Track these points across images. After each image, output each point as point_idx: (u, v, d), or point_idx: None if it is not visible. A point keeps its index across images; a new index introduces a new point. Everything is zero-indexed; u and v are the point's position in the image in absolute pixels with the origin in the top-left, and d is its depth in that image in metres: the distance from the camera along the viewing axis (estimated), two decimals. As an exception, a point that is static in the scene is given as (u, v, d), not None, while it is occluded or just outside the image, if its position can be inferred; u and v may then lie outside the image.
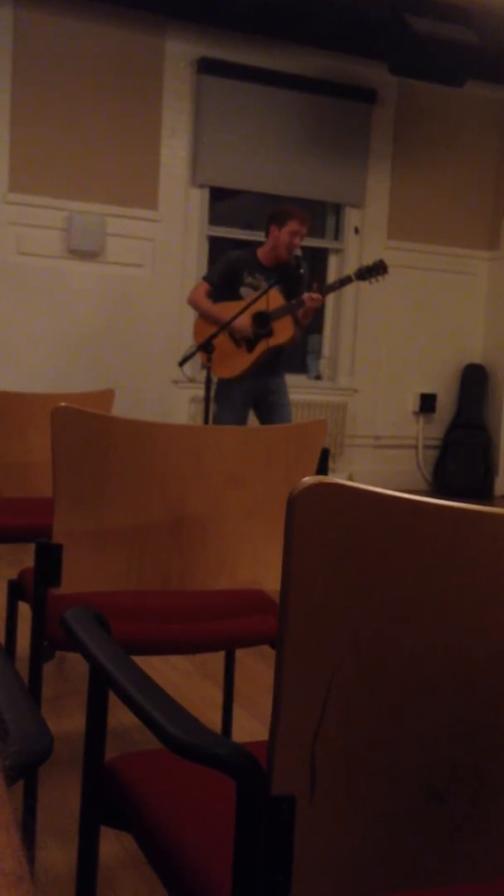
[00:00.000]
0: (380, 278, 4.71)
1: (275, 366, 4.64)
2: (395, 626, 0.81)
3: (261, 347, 4.54)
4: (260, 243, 4.71)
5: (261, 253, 4.63)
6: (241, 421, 4.67)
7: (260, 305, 4.46)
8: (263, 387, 4.64)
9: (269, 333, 4.53)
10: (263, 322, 4.52)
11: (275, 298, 4.54)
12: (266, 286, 4.45)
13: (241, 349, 4.55)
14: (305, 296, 4.55)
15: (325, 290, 4.67)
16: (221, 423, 4.56)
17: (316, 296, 4.53)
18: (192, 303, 4.68)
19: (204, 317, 4.59)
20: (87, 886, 1.24)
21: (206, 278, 4.69)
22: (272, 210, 4.69)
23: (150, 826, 1.04)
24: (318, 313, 4.90)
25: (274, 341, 4.55)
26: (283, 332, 4.56)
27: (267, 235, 4.64)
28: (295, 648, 0.79)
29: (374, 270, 4.69)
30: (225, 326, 4.37)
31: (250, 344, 4.54)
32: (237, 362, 4.56)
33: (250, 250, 4.68)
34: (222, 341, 4.49)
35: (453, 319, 6.98)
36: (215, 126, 6.05)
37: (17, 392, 2.82)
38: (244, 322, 4.49)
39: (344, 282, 4.69)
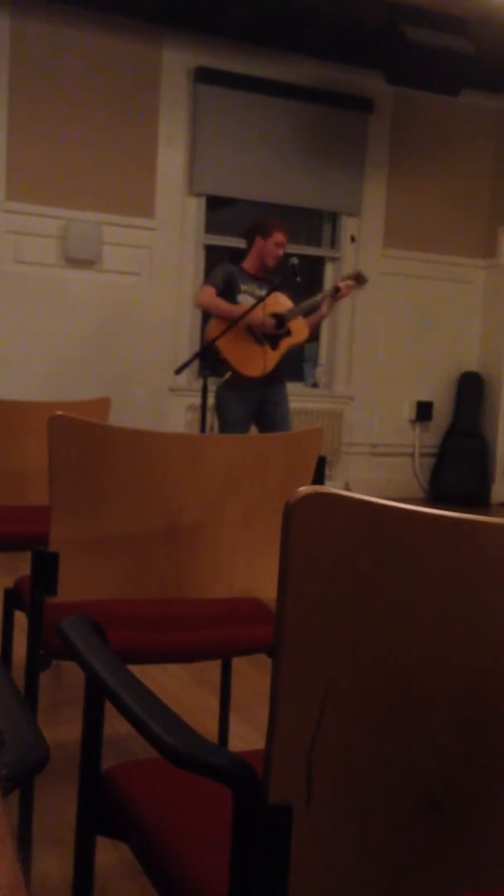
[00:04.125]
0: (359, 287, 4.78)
1: (277, 374, 4.63)
2: (390, 635, 0.81)
3: (284, 345, 4.56)
4: None
5: (247, 265, 4.66)
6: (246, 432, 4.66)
7: (259, 310, 4.46)
8: (267, 396, 4.63)
9: (288, 333, 4.56)
10: (279, 323, 4.54)
11: (280, 301, 4.56)
12: (262, 293, 4.46)
13: (265, 347, 4.53)
14: (341, 283, 4.59)
15: (360, 279, 4.69)
16: None
17: (351, 282, 4.57)
18: (204, 304, 4.61)
19: (219, 317, 4.53)
20: (84, 896, 1.23)
21: (210, 283, 4.65)
22: (253, 222, 4.71)
23: (146, 835, 1.04)
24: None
25: (294, 340, 4.59)
26: (301, 331, 4.61)
27: (250, 245, 4.66)
28: (291, 657, 0.79)
29: (356, 279, 4.74)
30: (237, 321, 4.34)
31: (273, 342, 4.54)
32: (262, 361, 4.54)
33: (237, 264, 4.70)
34: (244, 341, 4.47)
35: (449, 327, 6.99)
36: (212, 135, 6.07)
37: (13, 400, 2.82)
38: (265, 318, 4.47)
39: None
